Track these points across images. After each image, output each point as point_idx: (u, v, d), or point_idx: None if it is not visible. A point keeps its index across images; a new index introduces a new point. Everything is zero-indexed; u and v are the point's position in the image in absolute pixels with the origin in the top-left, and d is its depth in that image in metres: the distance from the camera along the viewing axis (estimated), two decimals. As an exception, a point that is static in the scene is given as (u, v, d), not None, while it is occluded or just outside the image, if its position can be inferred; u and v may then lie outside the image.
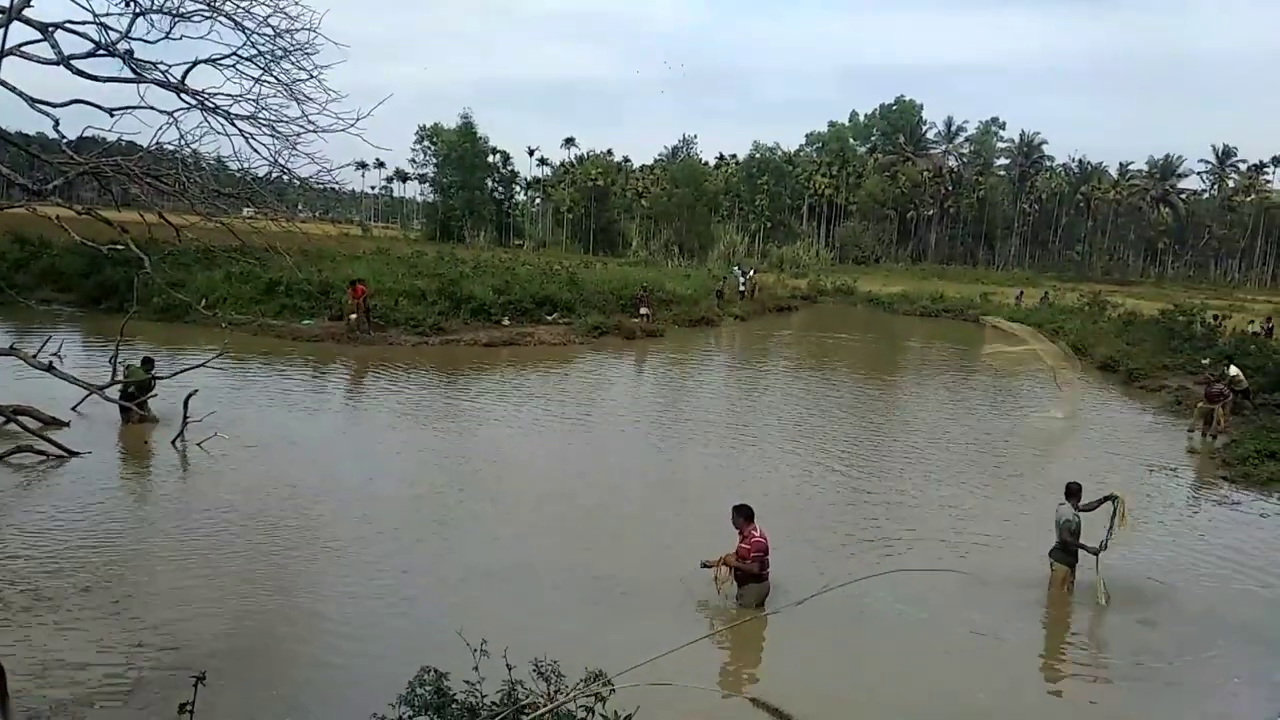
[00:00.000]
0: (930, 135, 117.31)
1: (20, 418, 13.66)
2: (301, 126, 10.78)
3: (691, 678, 5.90)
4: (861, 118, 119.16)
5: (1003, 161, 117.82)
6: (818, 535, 11.63)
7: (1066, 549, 10.02)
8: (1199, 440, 19.08)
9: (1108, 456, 17.34)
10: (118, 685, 6.98)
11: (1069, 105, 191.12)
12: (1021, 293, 55.53)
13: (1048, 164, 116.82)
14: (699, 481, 14.19)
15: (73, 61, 9.51)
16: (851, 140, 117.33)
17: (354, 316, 26.06)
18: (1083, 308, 44.96)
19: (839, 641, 8.72)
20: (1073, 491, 10.19)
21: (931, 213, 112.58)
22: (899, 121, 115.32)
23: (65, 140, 11.30)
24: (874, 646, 8.73)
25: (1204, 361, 25.17)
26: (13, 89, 9.01)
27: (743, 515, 9.33)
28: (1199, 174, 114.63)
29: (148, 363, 15.81)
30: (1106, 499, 10.22)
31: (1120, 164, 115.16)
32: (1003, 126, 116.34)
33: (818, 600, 8.69)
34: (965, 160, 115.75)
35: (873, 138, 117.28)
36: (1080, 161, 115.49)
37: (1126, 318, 38.13)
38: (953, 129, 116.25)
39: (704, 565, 9.30)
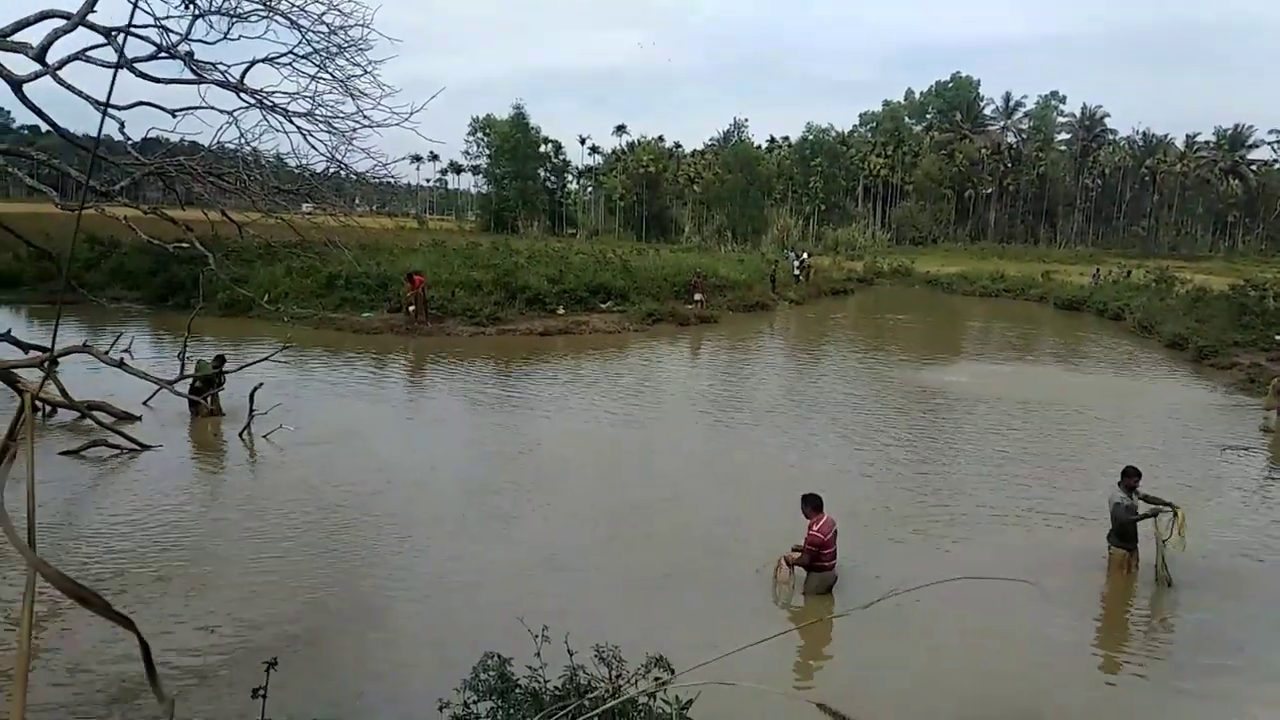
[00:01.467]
0: (988, 111, 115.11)
1: (95, 413, 14.09)
2: (357, 122, 10.92)
3: (754, 675, 5.87)
4: (917, 95, 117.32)
5: (1063, 136, 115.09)
6: (882, 523, 11.53)
7: (1123, 534, 9.86)
8: (1275, 420, 18.46)
9: (1178, 436, 16.92)
10: (192, 670, 7.19)
11: (1132, 76, 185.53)
12: (1098, 271, 53.73)
13: (1110, 138, 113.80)
14: (759, 470, 14.12)
15: (135, 64, 9.74)
16: (907, 119, 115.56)
17: (412, 308, 26.41)
18: (1149, 284, 43.82)
19: (901, 638, 8.58)
20: (1128, 473, 9.98)
21: (990, 191, 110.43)
22: (955, 99, 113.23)
23: (130, 142, 11.60)
24: (937, 644, 8.56)
25: (1278, 338, 24.37)
26: (79, 93, 9.26)
27: (810, 505, 9.38)
28: (1270, 144, 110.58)
29: (219, 360, 16.22)
30: (1167, 505, 9.92)
31: (1187, 136, 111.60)
32: (1063, 100, 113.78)
33: (891, 601, 8.49)
34: (1024, 136, 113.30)
35: (928, 116, 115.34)
36: (1145, 134, 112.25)
37: (1195, 294, 37.06)
38: (1011, 104, 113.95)
39: (795, 550, 9.42)
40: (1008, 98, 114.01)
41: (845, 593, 9.26)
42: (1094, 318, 39.32)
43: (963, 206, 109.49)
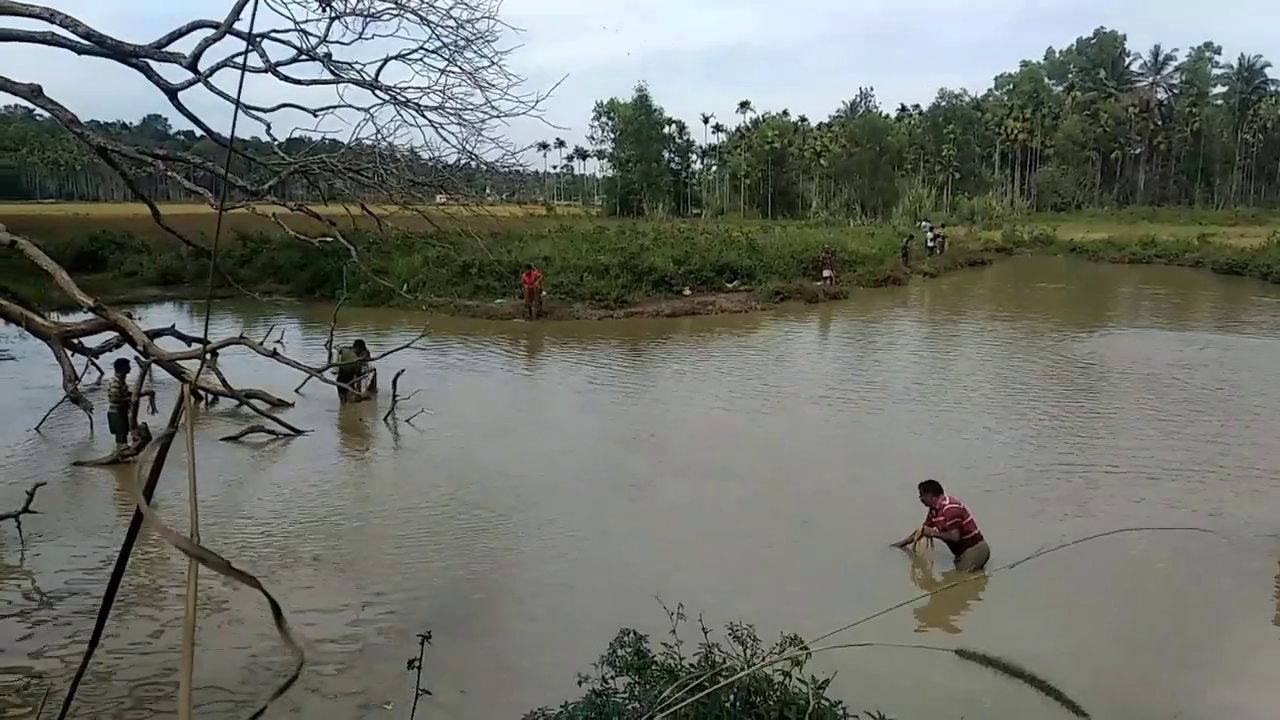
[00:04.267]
0: (1134, 68, 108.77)
1: (252, 400, 14.94)
2: (486, 113, 11.28)
3: (896, 639, 5.81)
4: (1057, 54, 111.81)
5: (1219, 90, 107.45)
6: (1032, 502, 11.12)
7: None
8: None
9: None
10: (348, 645, 7.56)
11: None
12: None
13: (1273, 89, 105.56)
14: (894, 449, 13.75)
15: (279, 68, 10.24)
16: (1046, 80, 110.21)
17: (545, 294, 26.75)
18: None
19: (1054, 603, 8.28)
20: None
21: (1139, 151, 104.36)
22: (1098, 56, 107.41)
23: (276, 143, 12.23)
24: (1098, 609, 8.23)
25: None
26: (228, 97, 9.80)
27: (930, 490, 9.23)
28: None
29: (359, 345, 16.93)
30: None
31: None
32: (1218, 51, 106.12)
33: (1038, 563, 8.20)
34: (1176, 91, 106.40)
35: (1069, 75, 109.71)
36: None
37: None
38: (1160, 59, 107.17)
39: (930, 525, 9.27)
40: (1156, 51, 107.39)
41: (991, 568, 9.01)
42: (1257, 282, 36.75)
43: (1108, 169, 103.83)
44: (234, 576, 1.75)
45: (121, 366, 13.42)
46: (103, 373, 15.47)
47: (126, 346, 11.74)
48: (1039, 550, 2.52)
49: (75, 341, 12.02)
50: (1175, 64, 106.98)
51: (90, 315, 8.90)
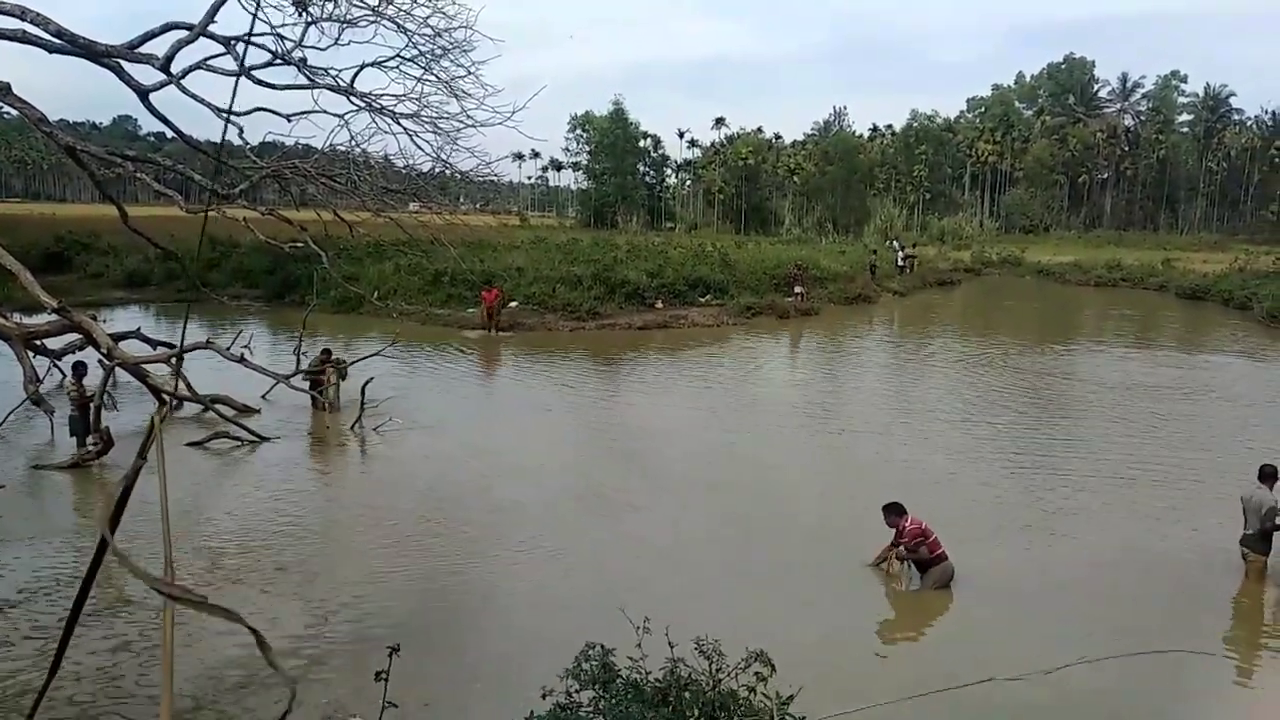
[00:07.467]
0: (1103, 94, 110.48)
1: (217, 406, 14.76)
2: (461, 122, 11.22)
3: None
4: (1028, 79, 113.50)
5: (1185, 118, 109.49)
6: (1010, 522, 11.22)
7: (1264, 538, 9.20)
8: None
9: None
10: (307, 655, 7.47)
11: (1260, 52, 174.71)
12: None
13: (1236, 118, 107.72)
14: (864, 466, 13.86)
15: (253, 71, 10.15)
16: (1017, 103, 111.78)
17: (514, 304, 26.65)
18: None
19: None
20: (1267, 475, 9.31)
21: (1106, 176, 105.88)
22: (1069, 81, 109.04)
23: (249, 146, 12.13)
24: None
25: None
26: (201, 100, 9.70)
27: (894, 512, 9.29)
28: None
29: (325, 353, 16.78)
30: None
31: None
32: (1184, 80, 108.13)
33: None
34: (1143, 118, 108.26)
35: (1039, 99, 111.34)
36: (1274, 114, 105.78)
37: (1332, 281, 34.82)
38: (1128, 85, 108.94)
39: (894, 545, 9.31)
40: (1124, 78, 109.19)
41: (964, 586, 9.05)
42: (1218, 307, 37.38)
43: (1076, 193, 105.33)
44: (213, 613, 1.73)
45: (78, 368, 13.22)
46: (65, 375, 15.23)
47: (90, 349, 11.55)
48: (1079, 659, 2.51)
49: (38, 343, 11.82)
50: (1143, 91, 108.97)
51: (54, 317, 8.77)
